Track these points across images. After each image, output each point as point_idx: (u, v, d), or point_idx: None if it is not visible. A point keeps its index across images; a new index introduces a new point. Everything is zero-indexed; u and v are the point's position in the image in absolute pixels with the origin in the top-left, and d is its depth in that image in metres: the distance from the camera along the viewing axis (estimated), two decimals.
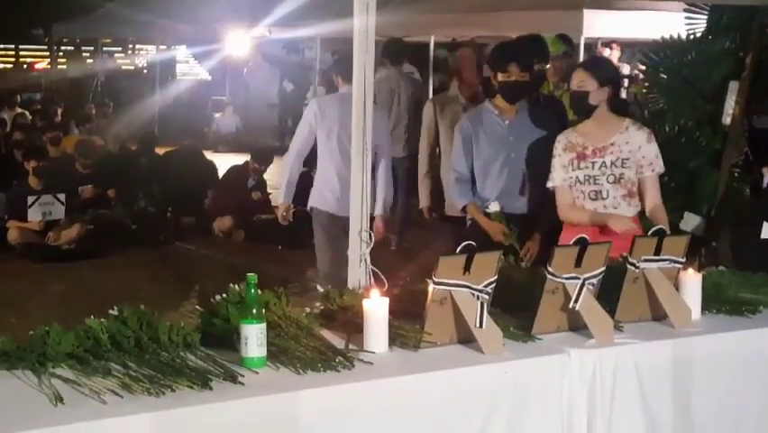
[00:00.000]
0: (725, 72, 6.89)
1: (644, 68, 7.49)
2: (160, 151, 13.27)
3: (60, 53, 24.32)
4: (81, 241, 10.31)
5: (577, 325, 3.72)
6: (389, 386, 3.24)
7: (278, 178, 13.98)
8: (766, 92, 6.88)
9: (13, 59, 26.88)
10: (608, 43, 15.34)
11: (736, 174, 6.92)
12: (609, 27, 12.17)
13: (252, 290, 3.24)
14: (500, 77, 5.71)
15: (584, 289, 3.65)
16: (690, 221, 6.74)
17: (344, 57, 6.06)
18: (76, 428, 2.79)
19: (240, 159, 12.51)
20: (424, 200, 7.05)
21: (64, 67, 23.43)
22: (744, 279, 4.50)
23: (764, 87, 6.84)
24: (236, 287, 3.51)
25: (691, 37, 7.08)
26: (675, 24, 7.29)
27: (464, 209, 5.90)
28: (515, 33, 7.01)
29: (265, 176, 11.90)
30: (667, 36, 7.16)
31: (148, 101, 18.79)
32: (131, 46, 25.83)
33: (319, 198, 6.72)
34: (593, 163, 5.20)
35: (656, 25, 8.39)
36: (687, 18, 7.14)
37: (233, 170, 11.96)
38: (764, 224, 5.95)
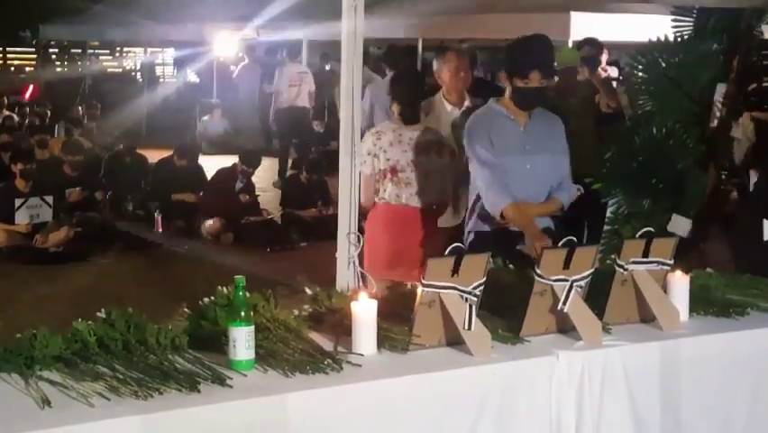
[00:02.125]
0: (712, 74, 6.90)
1: (631, 70, 7.49)
2: (148, 154, 13.23)
3: (48, 55, 24.24)
4: (69, 243, 10.26)
5: (565, 327, 3.72)
6: (378, 388, 3.24)
7: (266, 180, 14.07)
8: (754, 94, 6.90)
9: None
10: None
11: (723, 176, 6.93)
12: (597, 29, 12.15)
13: (241, 293, 3.24)
14: (518, 82, 5.20)
15: (572, 291, 3.65)
16: (678, 223, 6.75)
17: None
18: (63, 431, 2.78)
19: (228, 161, 12.48)
20: None
21: (51, 69, 23.35)
22: (731, 280, 4.52)
23: (752, 90, 6.86)
24: (224, 289, 3.50)
25: (679, 39, 7.09)
26: (663, 27, 7.29)
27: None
28: (502, 36, 6.92)
29: (253, 178, 11.87)
30: (655, 38, 7.16)
31: (136, 103, 18.73)
32: (118, 48, 25.75)
33: None
34: None
35: (644, 28, 8.37)
36: (674, 20, 7.14)
37: (221, 173, 11.93)
38: (765, 222, 5.86)
